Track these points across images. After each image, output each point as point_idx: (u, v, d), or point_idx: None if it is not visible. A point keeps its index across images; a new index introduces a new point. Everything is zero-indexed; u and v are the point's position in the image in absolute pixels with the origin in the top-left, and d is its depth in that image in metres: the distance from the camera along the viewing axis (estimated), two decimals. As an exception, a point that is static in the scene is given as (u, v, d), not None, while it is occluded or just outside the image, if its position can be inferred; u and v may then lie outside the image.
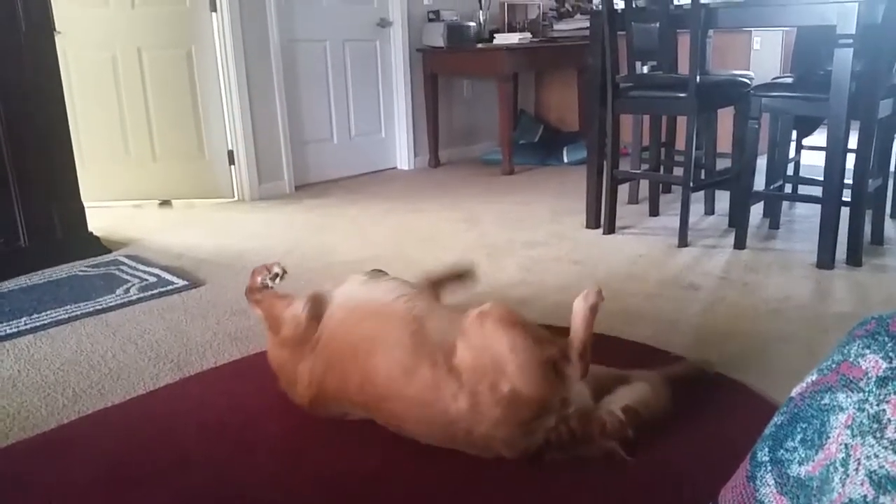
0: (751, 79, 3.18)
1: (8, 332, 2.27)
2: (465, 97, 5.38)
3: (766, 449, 0.82)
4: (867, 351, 0.76)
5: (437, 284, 1.89)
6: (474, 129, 5.50)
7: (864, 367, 0.75)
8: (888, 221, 3.12)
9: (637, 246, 3.06)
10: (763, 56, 4.79)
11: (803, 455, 0.77)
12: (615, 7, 3.03)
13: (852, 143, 2.63)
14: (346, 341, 1.57)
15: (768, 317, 2.26)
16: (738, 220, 3.01)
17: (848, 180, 2.64)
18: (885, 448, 0.68)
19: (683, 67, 3.02)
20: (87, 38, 3.84)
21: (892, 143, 2.94)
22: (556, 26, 5.27)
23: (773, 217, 3.26)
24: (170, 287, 2.64)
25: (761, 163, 3.04)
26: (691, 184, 3.01)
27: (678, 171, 3.34)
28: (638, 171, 3.62)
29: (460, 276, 1.98)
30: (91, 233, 3.13)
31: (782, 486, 0.78)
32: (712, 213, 3.54)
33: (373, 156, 4.95)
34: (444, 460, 1.46)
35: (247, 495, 1.42)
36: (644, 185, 3.76)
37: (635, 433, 1.45)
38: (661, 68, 3.18)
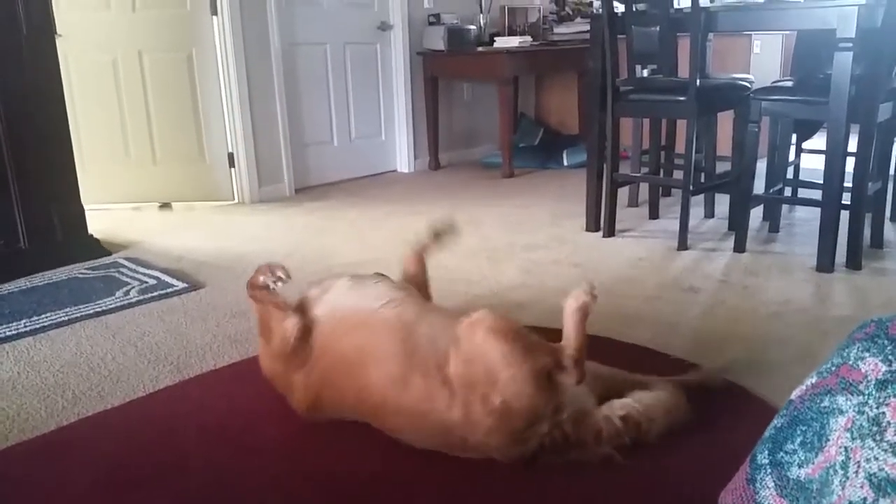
0: (751, 82, 3.19)
1: (7, 334, 2.27)
2: (466, 100, 5.39)
3: (766, 451, 0.82)
4: (867, 354, 0.76)
5: (422, 252, 1.91)
6: (474, 133, 5.50)
7: (863, 370, 0.75)
8: (888, 225, 3.12)
9: (637, 249, 3.06)
10: (763, 60, 4.80)
11: (803, 458, 0.77)
12: (615, 11, 3.04)
13: (852, 146, 2.63)
14: (339, 353, 1.56)
15: (768, 320, 2.26)
16: (737, 224, 3.01)
17: (848, 184, 2.64)
18: (885, 451, 0.68)
19: (683, 71, 3.02)
20: (88, 40, 3.84)
21: (891, 147, 2.94)
22: (557, 30, 5.28)
23: (772, 220, 3.26)
24: (169, 289, 2.64)
25: (761, 166, 3.04)
26: (691, 187, 3.02)
27: (678, 175, 3.34)
28: (638, 175, 3.62)
29: (439, 235, 1.97)
30: (91, 235, 3.13)
31: (782, 489, 0.78)
32: (712, 216, 3.54)
33: (373, 159, 4.95)
34: (444, 463, 1.46)
35: (246, 498, 1.42)
36: (644, 189, 3.76)
37: (632, 440, 1.45)
38: (661, 72, 3.19)
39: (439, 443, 1.47)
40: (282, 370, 1.64)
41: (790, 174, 3.37)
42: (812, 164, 3.46)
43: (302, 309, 1.63)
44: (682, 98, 2.90)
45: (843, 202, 2.65)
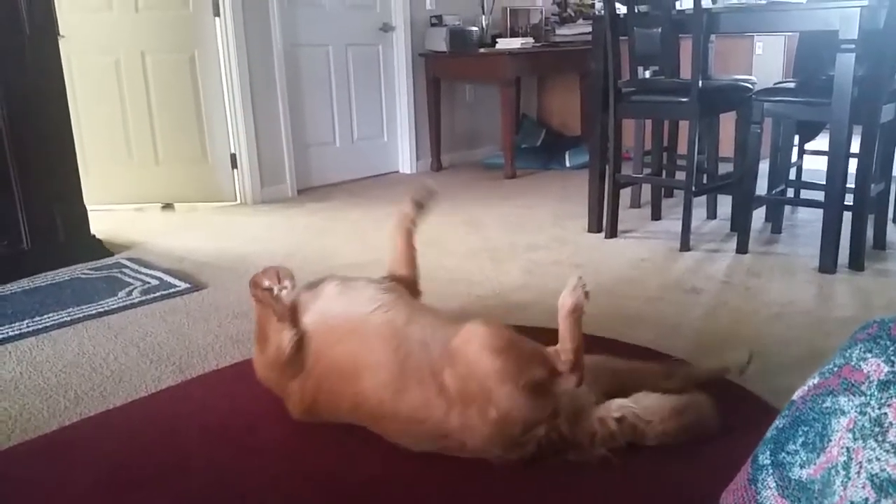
0: (753, 83, 3.19)
1: (10, 334, 2.28)
2: (468, 101, 5.39)
3: (768, 452, 0.82)
4: (869, 354, 0.76)
5: (408, 226, 1.90)
6: (476, 134, 5.50)
7: (865, 371, 0.75)
8: (890, 226, 3.11)
9: (639, 250, 3.06)
10: (765, 61, 4.80)
11: (805, 458, 0.76)
12: (617, 12, 3.04)
13: (854, 147, 2.63)
14: (332, 362, 1.55)
15: (770, 321, 2.25)
16: (740, 225, 3.01)
17: (850, 185, 2.64)
18: (887, 451, 0.68)
19: (685, 72, 3.02)
20: (91, 41, 3.85)
21: (894, 148, 2.94)
22: (559, 31, 5.28)
23: (775, 221, 3.25)
24: (172, 290, 2.65)
25: (763, 167, 3.04)
26: (693, 188, 3.01)
27: (680, 176, 3.34)
28: (640, 176, 3.62)
29: (421, 203, 1.94)
30: (94, 236, 3.13)
31: (784, 490, 0.78)
32: (714, 217, 3.54)
33: (375, 159, 4.95)
34: (444, 463, 1.46)
35: (247, 498, 1.42)
36: (646, 190, 3.76)
37: (628, 442, 1.45)
38: (663, 73, 3.19)
39: (437, 447, 1.47)
40: (276, 379, 1.64)
41: (793, 175, 3.37)
42: (815, 166, 3.46)
43: (295, 315, 1.60)
44: (684, 99, 2.90)
45: (845, 203, 2.65)
